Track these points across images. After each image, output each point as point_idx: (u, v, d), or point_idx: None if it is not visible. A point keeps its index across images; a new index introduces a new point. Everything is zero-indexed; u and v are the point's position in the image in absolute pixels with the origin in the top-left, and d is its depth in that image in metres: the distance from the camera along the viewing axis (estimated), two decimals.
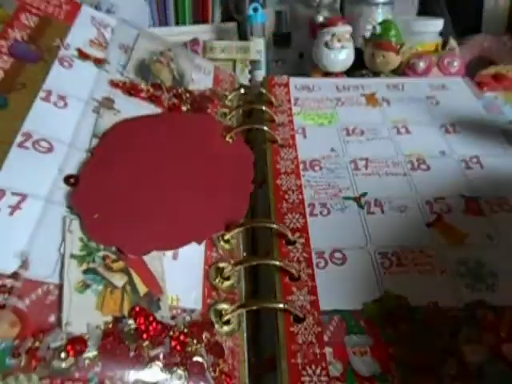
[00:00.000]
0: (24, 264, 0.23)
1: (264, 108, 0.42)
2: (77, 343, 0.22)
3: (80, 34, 0.34)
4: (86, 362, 0.21)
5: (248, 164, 0.36)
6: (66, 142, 0.27)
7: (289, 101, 0.48)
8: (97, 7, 0.72)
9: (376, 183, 0.37)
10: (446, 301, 0.28)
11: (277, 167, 0.38)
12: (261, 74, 0.74)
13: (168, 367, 0.23)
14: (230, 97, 0.41)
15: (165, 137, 0.33)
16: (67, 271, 0.24)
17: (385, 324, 0.27)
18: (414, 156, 0.40)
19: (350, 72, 0.70)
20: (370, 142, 0.42)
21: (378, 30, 0.65)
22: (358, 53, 0.69)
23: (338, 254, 0.31)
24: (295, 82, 0.52)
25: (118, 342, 0.23)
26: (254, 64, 0.72)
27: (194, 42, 0.69)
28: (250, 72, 0.71)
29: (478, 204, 0.35)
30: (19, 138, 0.26)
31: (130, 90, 0.33)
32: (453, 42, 0.68)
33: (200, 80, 0.40)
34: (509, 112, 0.47)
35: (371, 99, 0.49)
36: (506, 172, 0.38)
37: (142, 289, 0.25)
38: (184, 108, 0.37)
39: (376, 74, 0.67)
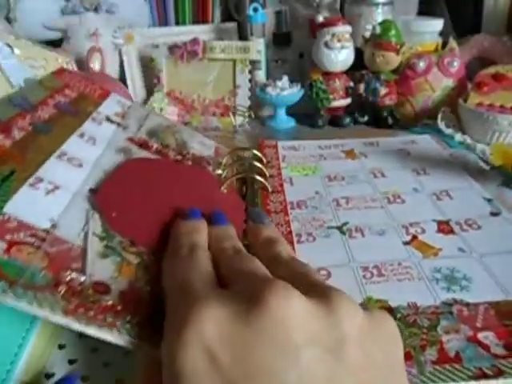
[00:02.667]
0: (53, 227, 0.27)
1: (254, 162, 0.48)
2: (101, 286, 0.25)
3: (108, 107, 0.45)
4: (109, 302, 0.24)
5: (240, 210, 0.41)
6: (92, 164, 0.36)
7: (277, 158, 0.55)
8: (97, 7, 0.72)
9: (356, 214, 0.42)
10: (424, 301, 0.30)
11: (267, 208, 0.43)
12: (261, 74, 0.74)
13: None
14: (223, 161, 0.46)
15: (170, 174, 0.40)
16: (90, 240, 0.28)
17: None
18: (389, 193, 0.45)
19: (350, 72, 0.70)
20: (349, 185, 0.48)
21: (378, 30, 0.65)
22: (358, 53, 0.69)
23: (323, 272, 0.34)
24: (283, 144, 0.60)
25: (138, 298, 0.26)
26: (254, 64, 0.72)
27: (194, 41, 0.70)
28: (250, 72, 0.71)
29: (449, 225, 0.39)
30: (57, 153, 0.34)
31: (142, 144, 0.42)
32: (453, 42, 0.68)
33: (201, 150, 0.47)
34: (473, 158, 0.53)
35: (350, 153, 0.56)
36: (472, 200, 0.44)
37: (155, 270, 0.28)
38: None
39: (376, 73, 0.67)
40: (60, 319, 0.22)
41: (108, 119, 0.43)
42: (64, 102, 0.41)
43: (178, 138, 0.46)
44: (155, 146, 0.43)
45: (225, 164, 0.46)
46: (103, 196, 0.32)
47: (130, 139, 0.42)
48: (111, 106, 0.46)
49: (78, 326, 0.22)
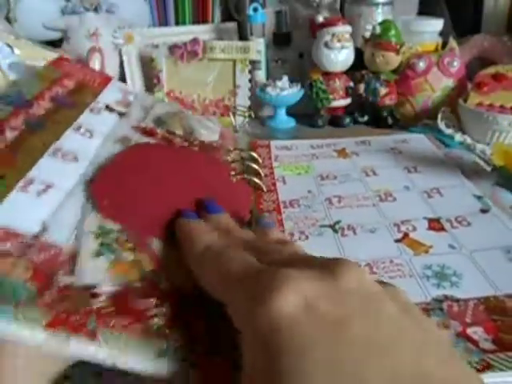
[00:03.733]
0: (43, 230, 0.27)
1: (250, 163, 0.48)
2: (89, 288, 0.24)
3: (108, 96, 0.44)
4: (98, 305, 0.24)
5: (247, 197, 0.41)
6: (89, 158, 0.35)
7: (269, 158, 0.55)
8: (97, 7, 0.72)
9: (348, 213, 0.42)
10: (415, 297, 0.30)
11: (260, 207, 0.43)
12: (261, 74, 0.74)
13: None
14: (232, 155, 0.47)
15: (175, 159, 0.40)
16: (84, 240, 0.28)
17: None
18: (381, 191, 0.46)
19: (350, 72, 0.70)
20: (342, 184, 0.48)
21: (378, 30, 0.65)
22: (358, 53, 0.69)
23: None
24: (275, 143, 0.60)
25: (129, 299, 0.25)
26: (254, 64, 0.72)
27: (194, 41, 0.70)
28: (250, 72, 0.71)
29: (440, 222, 0.40)
30: (51, 150, 0.33)
31: (148, 132, 0.41)
32: (453, 42, 0.68)
33: (208, 135, 0.47)
34: (467, 156, 0.53)
35: (342, 153, 0.56)
36: (462, 197, 0.44)
37: (148, 266, 0.28)
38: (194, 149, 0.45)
39: (376, 73, 0.67)
40: (39, 335, 0.21)
41: (107, 108, 0.42)
42: (61, 94, 0.41)
43: (185, 124, 0.46)
44: (161, 132, 0.42)
45: (232, 157, 0.46)
46: (98, 184, 0.32)
47: (135, 127, 0.41)
48: (111, 93, 0.45)
49: (56, 342, 0.21)
